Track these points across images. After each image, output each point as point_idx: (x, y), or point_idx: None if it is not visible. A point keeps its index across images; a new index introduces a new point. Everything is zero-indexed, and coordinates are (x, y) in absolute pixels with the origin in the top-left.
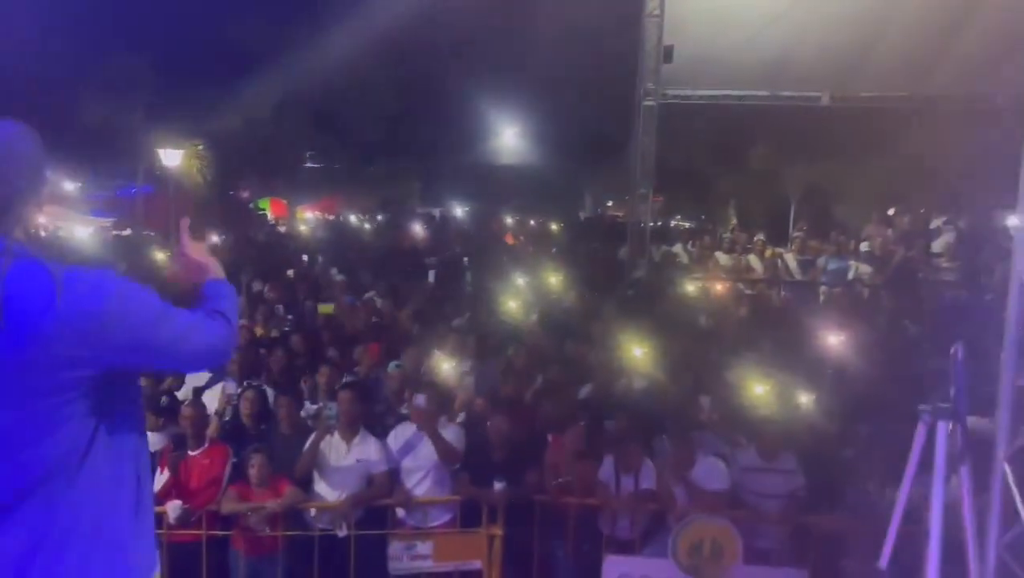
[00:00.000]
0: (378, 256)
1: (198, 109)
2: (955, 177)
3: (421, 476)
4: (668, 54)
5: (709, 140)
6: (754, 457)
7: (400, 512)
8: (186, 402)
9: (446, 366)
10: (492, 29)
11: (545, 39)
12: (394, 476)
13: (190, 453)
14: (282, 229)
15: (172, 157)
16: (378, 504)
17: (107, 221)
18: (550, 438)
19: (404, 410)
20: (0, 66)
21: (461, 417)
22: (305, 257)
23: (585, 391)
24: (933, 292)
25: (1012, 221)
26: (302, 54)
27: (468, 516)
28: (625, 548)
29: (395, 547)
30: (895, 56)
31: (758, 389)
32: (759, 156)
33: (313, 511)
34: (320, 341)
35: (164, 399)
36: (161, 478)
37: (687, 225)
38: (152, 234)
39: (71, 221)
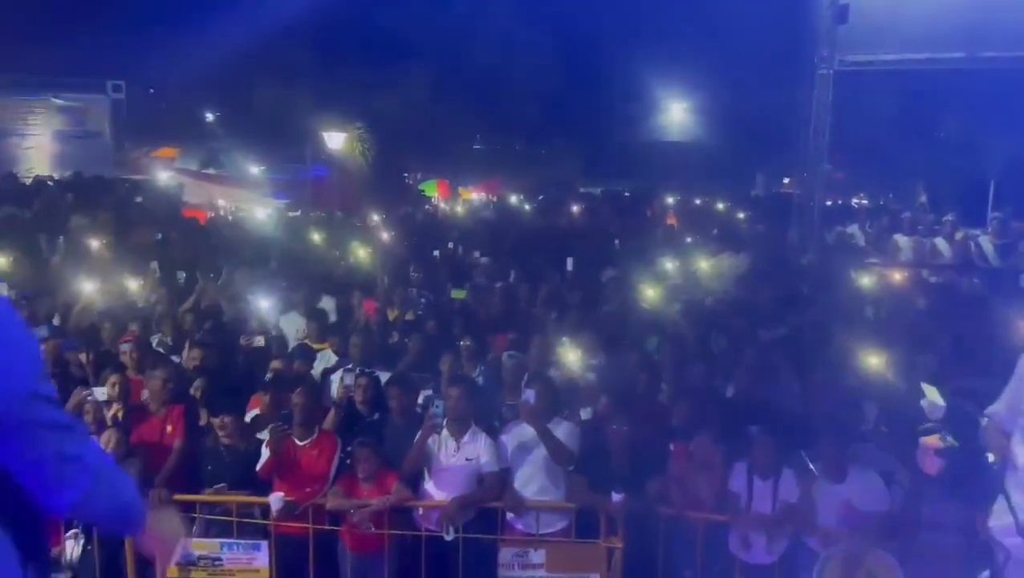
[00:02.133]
0: (525, 238)
1: (364, 92)
2: None
3: (534, 478)
4: (843, 14)
5: (896, 109)
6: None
7: (510, 516)
8: (298, 389)
9: (570, 358)
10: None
11: (711, 4)
12: (506, 477)
13: (297, 442)
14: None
15: (336, 140)
16: (488, 506)
17: (283, 203)
18: (672, 447)
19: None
20: (178, 58)
21: (586, 414)
22: (450, 242)
23: (729, 391)
24: None
25: None
26: (465, 34)
27: (585, 525)
28: (761, 574)
29: (505, 554)
30: None
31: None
32: (954, 127)
33: (421, 510)
34: (448, 328)
35: (269, 374)
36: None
37: (866, 203)
38: (320, 214)
39: (252, 203)
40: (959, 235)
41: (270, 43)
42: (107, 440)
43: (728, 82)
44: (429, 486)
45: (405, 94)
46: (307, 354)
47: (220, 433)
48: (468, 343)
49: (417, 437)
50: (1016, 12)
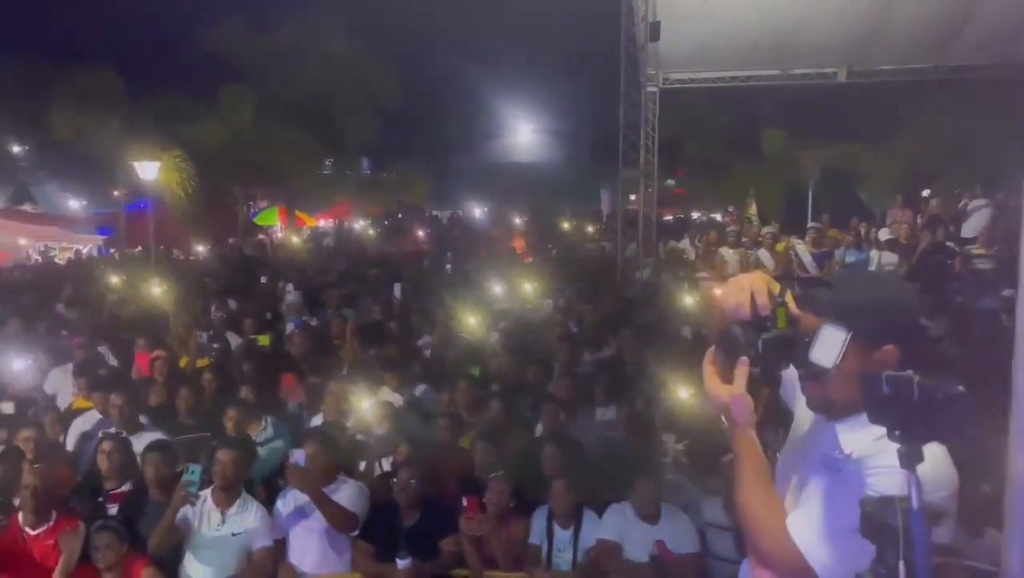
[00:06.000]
0: (355, 267)
1: (185, 119)
2: (990, 153)
3: (312, 548)
4: (655, 31)
5: (722, 126)
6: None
7: None
8: (30, 468)
9: (364, 405)
10: (491, 23)
11: (543, 28)
12: (281, 550)
13: (28, 530)
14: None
15: (149, 170)
16: None
17: (104, 239)
18: (464, 501)
19: None
20: None
21: (386, 466)
22: (263, 277)
23: (539, 429)
24: (968, 288)
25: None
26: (298, 57)
27: None
28: None
29: None
30: (915, 25)
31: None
32: (773, 140)
33: None
34: (233, 376)
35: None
36: None
37: (697, 217)
38: (135, 251)
39: (67, 241)
40: (781, 246)
41: (75, 69)
42: None
43: (570, 102)
44: (192, 568)
45: (231, 119)
46: (63, 418)
47: None
48: (248, 395)
49: (168, 510)
50: (821, 30)
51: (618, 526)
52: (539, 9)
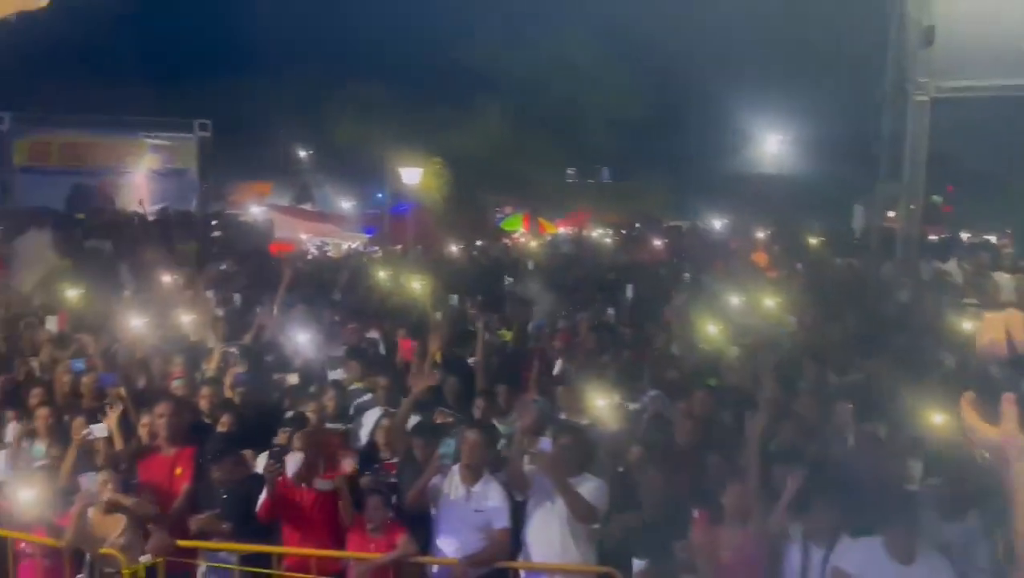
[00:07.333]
0: (584, 274)
1: (446, 128)
2: None
3: (549, 535)
4: (929, 36)
5: (1001, 138)
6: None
7: (523, 574)
8: (302, 432)
9: (600, 404)
10: (741, 27)
11: (795, 32)
12: (517, 533)
13: (301, 485)
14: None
15: (411, 175)
16: (499, 566)
17: (369, 237)
18: (695, 513)
19: None
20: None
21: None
22: (509, 278)
23: (774, 444)
24: None
25: None
26: (548, 69)
27: None
28: None
29: None
30: None
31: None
32: None
33: (436, 567)
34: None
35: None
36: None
37: (966, 238)
38: (396, 249)
39: (339, 237)
40: None
41: (352, 82)
42: (103, 481)
43: (823, 112)
44: (438, 536)
45: (485, 128)
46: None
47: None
48: (503, 389)
49: (421, 478)
50: None
51: (864, 561)
52: (792, 13)
